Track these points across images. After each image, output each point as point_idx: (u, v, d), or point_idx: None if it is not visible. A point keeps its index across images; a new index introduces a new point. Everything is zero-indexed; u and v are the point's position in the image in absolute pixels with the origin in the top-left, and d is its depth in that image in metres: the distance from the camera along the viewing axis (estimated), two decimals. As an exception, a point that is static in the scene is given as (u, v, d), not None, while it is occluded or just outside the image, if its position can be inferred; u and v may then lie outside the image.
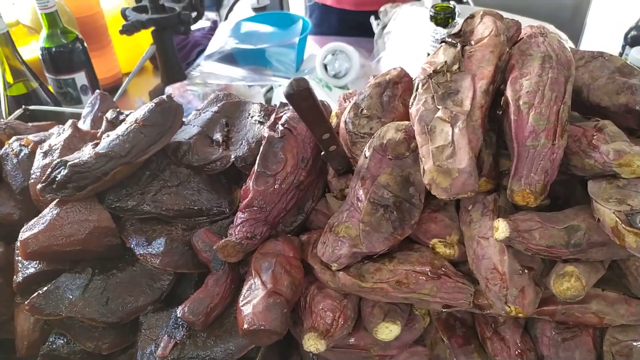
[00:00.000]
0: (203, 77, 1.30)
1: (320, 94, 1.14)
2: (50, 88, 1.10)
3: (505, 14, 1.08)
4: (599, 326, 0.50)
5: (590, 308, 0.48)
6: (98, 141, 0.58)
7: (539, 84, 0.47)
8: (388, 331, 0.51)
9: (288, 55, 1.30)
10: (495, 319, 0.53)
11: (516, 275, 0.46)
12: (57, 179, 0.54)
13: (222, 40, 1.39)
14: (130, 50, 1.42)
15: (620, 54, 1.26)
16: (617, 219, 0.41)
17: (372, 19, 1.29)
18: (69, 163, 0.54)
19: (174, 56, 1.28)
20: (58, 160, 0.55)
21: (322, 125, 0.48)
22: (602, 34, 2.51)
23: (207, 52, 1.37)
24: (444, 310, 0.53)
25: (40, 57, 1.09)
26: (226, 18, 1.58)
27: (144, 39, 1.37)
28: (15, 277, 0.60)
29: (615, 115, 0.51)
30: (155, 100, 0.59)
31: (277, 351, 0.58)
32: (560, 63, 0.48)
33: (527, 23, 1.04)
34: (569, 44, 0.99)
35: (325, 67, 1.16)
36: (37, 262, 0.59)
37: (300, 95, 0.41)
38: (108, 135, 0.58)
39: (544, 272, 0.48)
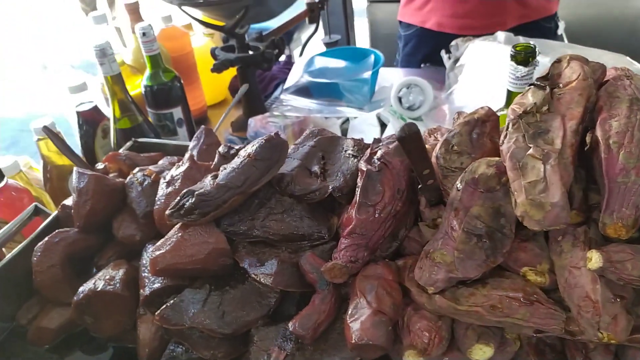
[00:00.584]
0: (282, 109, 1.39)
1: (396, 125, 1.19)
2: (151, 121, 1.22)
3: (580, 48, 1.10)
4: (692, 356, 0.52)
5: (684, 337, 0.50)
6: (216, 173, 0.67)
7: (627, 125, 0.50)
8: (482, 352, 0.55)
9: (361, 89, 1.37)
10: (586, 345, 0.55)
11: (609, 304, 0.49)
12: (185, 206, 0.63)
13: (298, 75, 1.49)
14: (214, 84, 1.55)
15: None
16: None
17: (442, 52, 1.35)
18: (196, 192, 0.62)
19: (256, 90, 1.39)
20: (186, 190, 0.64)
21: (424, 162, 0.53)
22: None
23: (285, 85, 1.46)
24: (535, 335, 0.56)
25: (143, 94, 1.22)
26: (301, 54, 1.68)
27: (226, 73, 1.49)
28: (142, 291, 0.69)
29: (703, 153, 0.54)
30: (264, 137, 0.67)
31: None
32: (649, 105, 0.51)
33: (603, 56, 1.06)
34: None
35: (399, 99, 1.22)
36: (162, 278, 0.68)
37: (412, 137, 0.47)
38: (225, 168, 0.66)
39: (635, 301, 0.51)
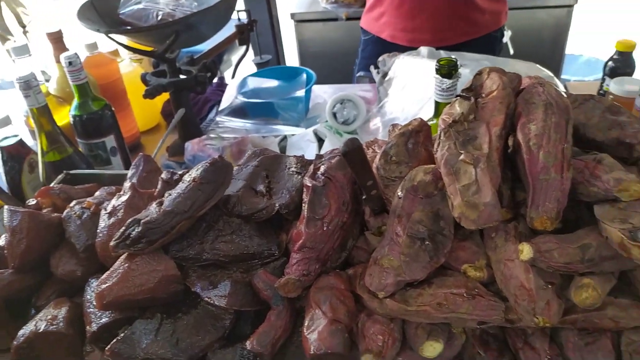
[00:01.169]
0: (218, 131, 1.39)
1: (333, 139, 1.23)
2: (82, 151, 1.18)
3: (494, 59, 1.19)
4: (615, 330, 0.57)
5: (607, 314, 0.56)
6: (161, 199, 0.66)
7: (544, 128, 0.56)
8: (432, 348, 0.58)
9: (296, 107, 1.40)
10: (525, 331, 0.60)
11: (541, 290, 0.54)
12: (131, 235, 0.62)
13: (232, 96, 1.49)
14: (146, 110, 1.52)
15: (601, 84, 1.38)
16: (622, 236, 0.49)
17: (372, 67, 1.41)
18: (142, 221, 0.61)
19: (191, 114, 1.38)
20: (131, 219, 0.63)
21: (368, 174, 0.56)
22: (579, 65, 2.68)
23: (220, 107, 1.47)
24: (479, 326, 0.60)
25: (72, 124, 1.18)
26: (233, 75, 1.69)
27: (158, 98, 1.47)
28: (88, 327, 0.66)
29: (609, 148, 0.61)
30: (209, 160, 0.67)
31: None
32: (560, 108, 0.57)
33: (516, 64, 1.15)
34: (555, 82, 1.11)
35: (334, 115, 1.25)
36: (109, 311, 0.66)
37: (355, 152, 0.50)
38: (170, 194, 0.66)
39: (563, 285, 0.56)
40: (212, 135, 1.38)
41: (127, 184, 0.75)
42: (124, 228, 0.63)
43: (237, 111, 1.46)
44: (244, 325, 0.66)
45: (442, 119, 0.61)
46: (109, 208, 0.71)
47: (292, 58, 2.44)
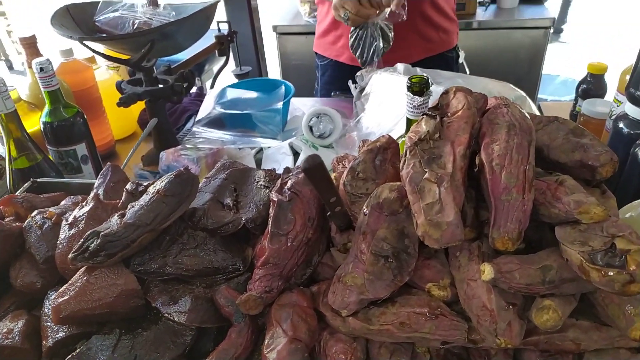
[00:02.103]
0: (195, 141, 1.38)
1: (308, 153, 1.22)
2: (52, 159, 1.15)
3: (468, 77, 1.21)
4: (577, 352, 0.57)
5: (568, 336, 0.56)
6: (123, 211, 0.65)
7: (507, 149, 0.56)
8: (395, 369, 0.58)
9: (274, 119, 1.39)
10: (488, 351, 0.60)
11: (503, 311, 0.54)
12: (89, 248, 0.60)
13: (210, 107, 1.48)
14: (122, 118, 1.50)
15: (574, 105, 1.40)
16: (582, 259, 0.49)
17: (350, 82, 1.41)
18: (102, 233, 0.60)
19: (167, 123, 1.36)
20: (90, 231, 0.61)
21: (330, 190, 0.56)
22: (556, 85, 2.73)
23: (197, 117, 1.45)
24: (442, 346, 0.60)
25: (42, 131, 1.15)
26: (212, 86, 1.68)
27: (134, 106, 1.45)
28: (44, 342, 0.64)
29: (572, 169, 0.61)
30: (174, 172, 0.66)
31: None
32: (523, 130, 0.58)
33: (489, 83, 1.17)
34: (527, 102, 1.12)
35: (310, 128, 1.25)
36: (67, 326, 0.64)
37: (316, 168, 0.49)
38: (133, 206, 0.64)
39: (525, 306, 0.56)
40: (187, 146, 1.37)
41: (91, 194, 0.73)
42: (82, 240, 0.61)
43: (215, 122, 1.45)
44: (206, 342, 0.65)
45: (409, 137, 0.62)
46: (70, 219, 0.69)
47: (273, 70, 2.44)
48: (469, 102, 0.61)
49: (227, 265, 0.66)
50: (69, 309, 0.61)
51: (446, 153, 0.58)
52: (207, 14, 1.22)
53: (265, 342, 0.55)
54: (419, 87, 0.82)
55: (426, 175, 0.57)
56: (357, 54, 1.43)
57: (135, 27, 1.20)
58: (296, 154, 1.25)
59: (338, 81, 1.56)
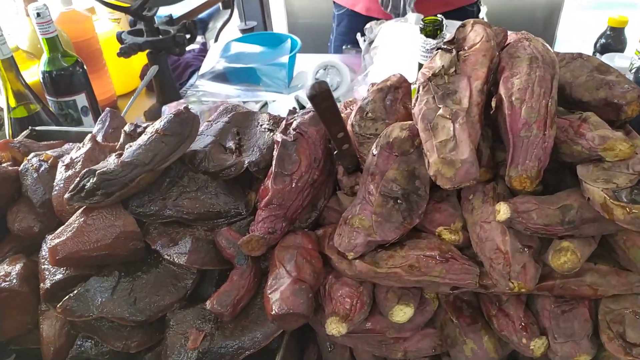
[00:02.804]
0: (198, 95, 1.34)
1: (314, 107, 1.19)
2: (52, 110, 1.13)
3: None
4: (593, 297, 0.55)
5: (585, 281, 0.53)
6: (121, 152, 0.62)
7: (528, 82, 0.52)
8: (402, 313, 0.55)
9: (279, 73, 1.35)
10: (499, 297, 0.57)
11: (518, 253, 0.51)
12: (85, 187, 0.58)
13: (214, 61, 1.44)
14: (124, 72, 1.46)
15: (591, 61, 1.35)
16: (606, 196, 0.46)
17: (358, 35, 1.36)
18: (98, 171, 0.57)
19: (169, 77, 1.33)
20: (86, 169, 0.59)
21: (338, 124, 0.52)
22: (572, 44, 2.65)
23: (200, 72, 1.41)
24: (452, 292, 0.57)
25: (41, 80, 1.12)
26: (216, 39, 1.63)
27: (136, 61, 1.41)
28: (42, 284, 0.63)
29: (595, 109, 0.57)
30: (173, 112, 0.63)
31: (297, 341, 0.61)
32: (546, 63, 0.54)
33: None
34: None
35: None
36: (64, 268, 0.62)
37: (322, 95, 0.46)
38: (131, 145, 0.61)
39: (541, 250, 0.53)
40: (191, 99, 1.33)
41: (87, 137, 0.71)
42: (78, 179, 0.59)
43: (218, 76, 1.41)
44: (208, 287, 0.63)
45: (422, 73, 0.58)
46: (67, 160, 0.67)
47: (280, 28, 2.37)
48: (487, 35, 0.57)
49: (229, 209, 0.63)
50: (66, 250, 0.59)
51: (462, 88, 0.54)
52: (209, -41, 1.16)
53: (268, 283, 0.53)
54: (432, 29, 0.78)
55: (440, 111, 0.53)
56: (389, 5, 1.36)
57: (135, -27, 1.15)
58: (302, 108, 1.22)
59: (353, 32, 1.50)
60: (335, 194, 0.64)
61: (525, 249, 0.52)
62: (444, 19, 0.78)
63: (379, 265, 0.55)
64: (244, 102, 1.28)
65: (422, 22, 0.78)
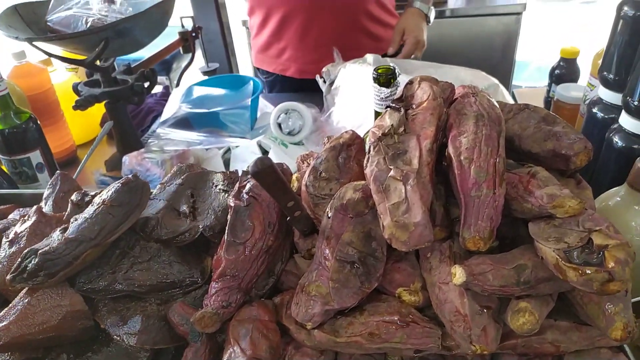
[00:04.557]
0: (160, 144, 1.31)
1: (277, 151, 1.18)
2: (5, 168, 1.09)
3: (440, 66, 1.17)
4: (556, 354, 0.54)
5: (547, 338, 0.52)
6: (66, 225, 0.59)
7: (475, 140, 0.52)
8: (366, 382, 0.54)
9: (242, 116, 1.34)
10: (464, 358, 0.56)
11: (477, 316, 0.50)
12: (27, 268, 0.55)
13: (175, 106, 1.42)
14: (83, 122, 1.43)
15: (548, 90, 1.38)
16: (557, 257, 0.46)
17: (317, 77, 1.36)
18: (40, 251, 0.55)
19: (129, 126, 1.30)
20: (28, 249, 0.56)
21: (286, 195, 0.51)
22: (530, 71, 2.72)
23: (162, 118, 1.39)
24: (415, 355, 0.56)
25: (-7, 139, 1.08)
26: (178, 84, 1.62)
27: (96, 109, 1.39)
28: (-15, 372, 0.59)
29: (545, 160, 0.58)
30: (121, 180, 0.61)
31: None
32: (492, 120, 0.54)
33: (460, 72, 1.13)
34: (500, 89, 1.09)
35: (279, 125, 1.20)
36: (9, 354, 0.58)
37: (266, 172, 0.45)
38: (76, 219, 0.59)
39: (501, 309, 0.52)
40: (153, 148, 1.31)
41: (33, 208, 0.68)
42: (19, 260, 0.56)
43: (181, 122, 1.39)
44: (164, 361, 0.60)
45: (372, 132, 0.57)
46: (11, 235, 0.64)
47: (245, 67, 2.38)
48: (434, 92, 0.57)
49: (183, 278, 0.61)
50: (9, 335, 0.55)
51: (412, 148, 0.54)
52: (164, 8, 1.16)
53: (223, 363, 0.51)
54: (385, 78, 0.78)
55: (391, 172, 0.52)
56: None
57: (88, 25, 1.14)
58: (265, 153, 1.21)
59: (291, 92, 1.48)
60: (293, 258, 0.62)
61: (484, 310, 0.51)
62: (396, 67, 0.79)
63: (338, 334, 0.53)
64: (207, 149, 1.26)
65: (375, 72, 0.78)
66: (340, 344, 0.53)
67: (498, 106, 0.57)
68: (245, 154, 1.22)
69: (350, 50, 1.37)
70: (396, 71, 0.79)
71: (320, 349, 0.54)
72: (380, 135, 0.56)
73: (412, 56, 1.32)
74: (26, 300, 0.57)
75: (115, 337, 0.56)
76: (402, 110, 0.57)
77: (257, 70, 1.65)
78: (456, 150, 0.53)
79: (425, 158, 0.53)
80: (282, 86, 1.57)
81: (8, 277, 0.56)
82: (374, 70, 0.79)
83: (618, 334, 0.48)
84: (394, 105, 0.58)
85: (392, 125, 0.56)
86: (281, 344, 0.54)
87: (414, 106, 0.58)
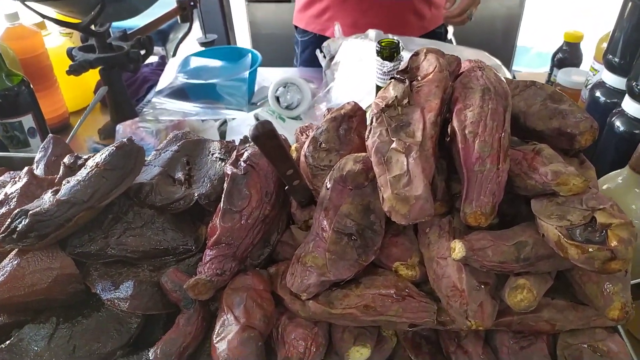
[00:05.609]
0: (155, 113, 1.29)
1: (275, 125, 1.16)
2: (-5, 132, 1.07)
3: (443, 44, 1.15)
4: (551, 332, 0.54)
5: (543, 316, 0.52)
6: (58, 188, 0.58)
7: (481, 115, 0.51)
8: (359, 355, 0.53)
9: (239, 89, 1.32)
10: (458, 333, 0.56)
11: (474, 291, 0.50)
12: (17, 228, 0.54)
13: (171, 76, 1.40)
14: (77, 88, 1.40)
15: (549, 75, 1.37)
16: (559, 234, 0.45)
17: (317, 52, 1.34)
18: (30, 212, 0.53)
19: (124, 94, 1.28)
20: (18, 210, 0.54)
21: (286, 162, 0.50)
22: (531, 56, 2.70)
23: (157, 88, 1.37)
24: (410, 329, 0.55)
25: (-16, 101, 1.06)
26: (174, 54, 1.58)
27: (91, 76, 1.36)
28: (-28, 333, 0.58)
29: (550, 138, 0.57)
30: (115, 144, 0.59)
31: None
32: (498, 94, 0.53)
33: (463, 51, 1.12)
34: (502, 70, 1.07)
35: (277, 99, 1.19)
36: (-3, 315, 0.57)
37: (266, 136, 0.43)
38: (68, 181, 0.58)
39: (498, 286, 0.52)
40: (148, 118, 1.28)
41: (24, 170, 0.66)
42: (9, 220, 0.54)
43: (177, 92, 1.36)
44: (155, 330, 0.59)
45: (375, 103, 0.56)
46: (1, 196, 0.62)
47: (243, 40, 2.34)
48: (440, 65, 0.55)
49: (177, 245, 0.60)
50: (-2, 296, 0.54)
51: (415, 120, 0.53)
52: (163, -27, 1.12)
53: (216, 331, 0.50)
54: (388, 52, 0.77)
55: (393, 144, 0.51)
56: None
57: (84, -13, 1.10)
58: (262, 126, 1.19)
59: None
60: (289, 228, 0.61)
61: (482, 286, 0.50)
62: (400, 41, 0.77)
63: (333, 306, 0.52)
64: (203, 120, 1.24)
65: (378, 45, 0.76)
66: (334, 316, 0.52)
67: (505, 81, 0.56)
68: (241, 126, 1.20)
69: (392, 27, 1.33)
70: (400, 45, 0.77)
71: (315, 320, 0.54)
72: (383, 106, 0.55)
73: (467, 12, 1.27)
74: (15, 262, 0.56)
75: (106, 301, 0.55)
76: (407, 81, 0.56)
77: (295, 28, 1.60)
78: (461, 124, 0.52)
79: (429, 131, 0.52)
80: (317, 47, 1.49)
81: (-3, 237, 0.55)
82: (378, 43, 0.78)
83: (615, 313, 0.48)
84: (398, 76, 0.57)
85: (396, 96, 0.55)
86: (275, 313, 0.54)
87: (419, 78, 0.56)
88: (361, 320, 0.53)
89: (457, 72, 0.59)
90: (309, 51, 1.55)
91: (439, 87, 0.54)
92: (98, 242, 0.58)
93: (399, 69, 0.59)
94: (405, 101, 0.54)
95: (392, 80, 0.57)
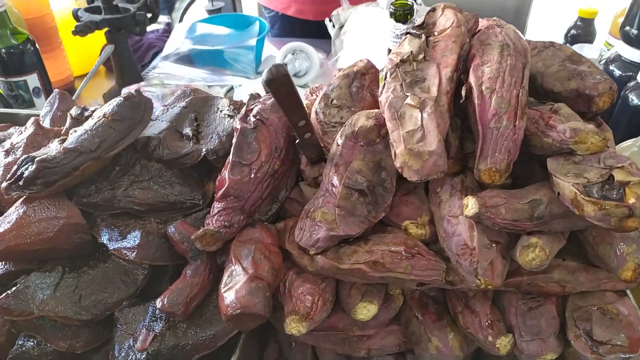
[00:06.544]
0: (160, 78, 1.28)
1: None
2: (1, 91, 1.05)
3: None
4: (561, 294, 0.53)
5: (553, 277, 0.52)
6: (65, 137, 0.57)
7: (499, 70, 0.50)
8: (366, 311, 0.53)
9: (246, 56, 1.30)
10: (466, 293, 0.55)
11: (485, 249, 0.49)
12: (24, 175, 0.53)
13: (178, 42, 1.38)
14: (82, 52, 1.38)
15: (561, 52, 1.34)
16: (576, 191, 0.44)
17: (326, 20, 1.32)
18: (37, 158, 0.52)
19: (130, 57, 1.26)
20: (25, 156, 0.54)
21: (298, 112, 0.49)
22: (543, 34, 2.66)
23: (163, 53, 1.35)
24: (417, 288, 0.55)
25: (-12, 59, 1.05)
26: (181, 20, 1.56)
27: (96, 41, 1.34)
28: (-22, 280, 0.58)
29: (567, 100, 0.55)
30: (124, 95, 0.58)
31: (256, 339, 0.58)
32: (517, 51, 0.51)
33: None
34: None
35: (285, 66, 1.17)
36: (3, 263, 0.57)
37: (280, 80, 0.42)
38: (75, 131, 0.57)
39: (509, 245, 0.51)
40: (153, 82, 1.27)
41: (30, 120, 0.65)
42: (16, 166, 0.54)
43: (183, 58, 1.35)
44: (161, 282, 0.59)
45: (390, 58, 0.55)
46: (7, 145, 0.61)
47: (250, 10, 2.30)
48: (458, 20, 0.54)
49: (184, 199, 0.59)
50: (4, 243, 0.54)
51: (431, 75, 0.51)
52: None
53: (223, 281, 0.50)
54: (402, 13, 0.75)
55: (408, 99, 0.50)
56: None
57: (91, -55, 1.08)
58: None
59: (289, 33, 1.43)
60: (297, 186, 0.60)
61: (493, 245, 0.50)
62: (414, 3, 0.75)
63: (342, 261, 0.52)
64: (209, 86, 1.23)
65: (392, 7, 0.74)
66: (343, 271, 0.52)
67: (524, 38, 0.54)
68: (247, 93, 1.19)
69: None
70: (414, 6, 0.76)
71: (322, 275, 0.54)
72: (398, 61, 0.54)
73: None
74: (22, 210, 0.55)
75: (113, 251, 0.54)
76: (423, 36, 0.54)
77: (260, 7, 1.59)
78: (478, 80, 0.51)
79: (445, 87, 0.51)
80: (282, 25, 1.52)
81: (3, 184, 0.55)
82: (391, 4, 0.76)
83: (629, 274, 0.47)
84: (414, 31, 0.55)
85: (411, 51, 0.54)
86: (282, 268, 0.53)
87: (435, 33, 0.55)
88: (369, 276, 0.52)
89: (475, 30, 0.58)
90: (277, 27, 1.55)
91: (456, 43, 0.53)
92: (105, 193, 0.57)
93: (415, 24, 0.58)
94: (421, 56, 0.53)
95: (408, 35, 0.56)
